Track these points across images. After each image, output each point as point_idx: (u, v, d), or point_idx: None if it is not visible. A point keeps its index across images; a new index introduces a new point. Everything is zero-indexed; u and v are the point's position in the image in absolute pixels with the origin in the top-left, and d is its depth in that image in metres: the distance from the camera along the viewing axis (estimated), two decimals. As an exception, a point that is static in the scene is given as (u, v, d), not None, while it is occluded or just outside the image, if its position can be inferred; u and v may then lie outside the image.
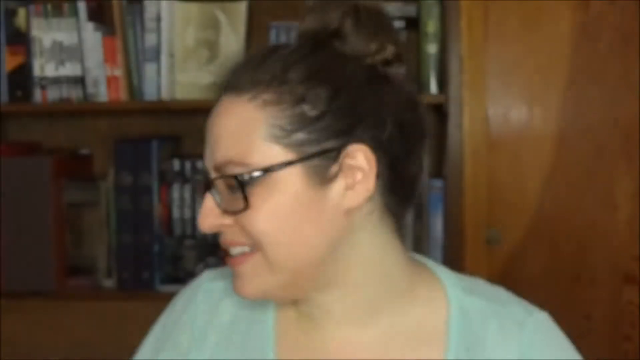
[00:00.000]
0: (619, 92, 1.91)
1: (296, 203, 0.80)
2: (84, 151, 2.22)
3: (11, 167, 1.97)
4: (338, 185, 0.80)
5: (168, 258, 1.99)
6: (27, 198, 1.96)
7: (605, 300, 1.93)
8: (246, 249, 0.81)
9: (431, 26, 1.94)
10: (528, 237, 1.94)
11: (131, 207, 1.98)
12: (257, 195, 0.79)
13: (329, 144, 0.80)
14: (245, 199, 0.78)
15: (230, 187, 0.80)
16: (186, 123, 2.21)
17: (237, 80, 0.82)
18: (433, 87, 1.94)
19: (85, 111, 2.18)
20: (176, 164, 1.98)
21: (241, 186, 0.79)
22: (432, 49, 1.94)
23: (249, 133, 0.80)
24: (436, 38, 1.95)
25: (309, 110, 0.79)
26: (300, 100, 0.79)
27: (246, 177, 0.79)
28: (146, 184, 1.98)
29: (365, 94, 0.81)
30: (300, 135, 0.79)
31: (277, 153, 0.79)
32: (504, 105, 1.94)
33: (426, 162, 0.88)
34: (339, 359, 0.85)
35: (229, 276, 0.88)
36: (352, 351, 0.85)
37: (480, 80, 1.92)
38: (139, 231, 1.98)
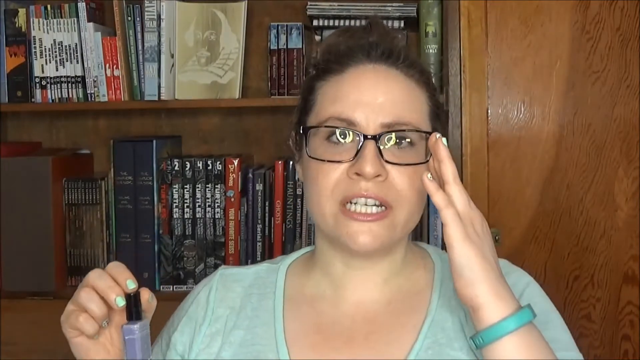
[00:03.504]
0: (618, 92, 1.91)
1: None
2: (84, 151, 2.22)
3: (11, 167, 1.97)
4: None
5: (168, 258, 1.99)
6: (27, 198, 1.96)
7: (605, 300, 1.93)
8: (380, 208, 0.94)
9: (431, 26, 1.94)
10: (528, 237, 1.94)
11: (131, 207, 1.98)
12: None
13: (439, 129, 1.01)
14: (428, 152, 0.93)
15: (400, 143, 0.94)
16: (186, 123, 2.21)
17: (405, 61, 0.99)
18: (433, 87, 1.94)
19: (85, 111, 2.18)
20: (176, 164, 1.98)
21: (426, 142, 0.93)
22: (432, 49, 1.95)
23: (419, 106, 0.98)
24: (436, 38, 1.95)
25: (439, 100, 1.03)
26: (437, 92, 1.03)
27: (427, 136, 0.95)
28: (146, 184, 1.98)
29: None
30: (436, 119, 1.00)
31: (431, 127, 0.99)
32: (504, 105, 1.93)
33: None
34: (352, 315, 0.99)
35: (241, 268, 1.08)
36: (363, 307, 1.00)
37: (480, 80, 1.92)
38: (139, 231, 1.98)
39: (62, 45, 2.01)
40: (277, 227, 1.98)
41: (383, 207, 0.94)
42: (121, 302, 0.87)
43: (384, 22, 1.07)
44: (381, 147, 0.93)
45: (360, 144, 0.93)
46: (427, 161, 0.93)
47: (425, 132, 0.96)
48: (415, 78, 0.99)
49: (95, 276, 0.90)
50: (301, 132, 1.00)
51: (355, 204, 0.93)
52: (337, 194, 0.94)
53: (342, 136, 0.95)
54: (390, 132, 0.94)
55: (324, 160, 0.95)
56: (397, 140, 0.94)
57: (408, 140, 0.95)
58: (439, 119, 1.02)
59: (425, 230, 1.94)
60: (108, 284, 0.88)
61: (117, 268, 0.90)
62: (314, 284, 1.03)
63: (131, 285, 0.88)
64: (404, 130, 0.94)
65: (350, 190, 0.93)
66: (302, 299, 1.02)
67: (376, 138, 0.93)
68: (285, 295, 1.03)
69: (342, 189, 0.94)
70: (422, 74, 1.00)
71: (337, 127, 0.94)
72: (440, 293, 1.00)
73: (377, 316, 0.99)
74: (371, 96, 0.95)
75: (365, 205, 0.93)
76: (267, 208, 1.98)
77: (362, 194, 0.92)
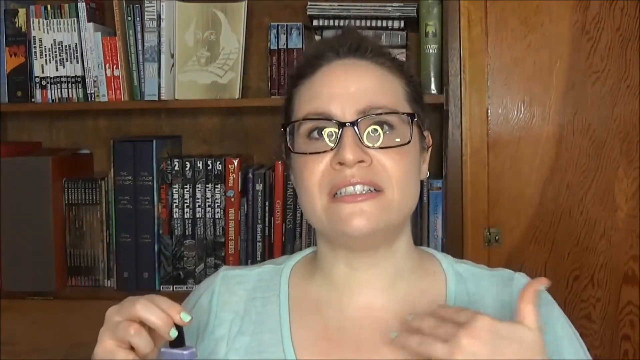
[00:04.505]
0: (618, 92, 1.91)
1: (416, 158, 0.99)
2: (84, 151, 2.22)
3: (11, 167, 1.97)
4: (423, 157, 1.02)
5: (168, 258, 1.99)
6: (27, 198, 1.96)
7: (605, 300, 1.93)
8: (370, 190, 0.93)
9: (431, 26, 1.94)
10: (528, 237, 1.94)
11: (131, 207, 1.98)
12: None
13: (420, 112, 1.01)
14: (411, 133, 0.95)
15: (378, 129, 0.94)
16: (186, 123, 2.21)
17: (375, 52, 1.00)
18: (433, 87, 1.94)
19: (85, 111, 2.18)
20: (176, 164, 1.98)
21: (410, 123, 0.96)
22: (432, 49, 1.95)
23: (394, 90, 0.99)
24: (436, 38, 1.95)
25: (417, 86, 1.03)
26: (414, 79, 1.03)
27: (414, 117, 0.97)
28: (146, 184, 1.98)
29: None
30: (416, 104, 1.01)
31: (411, 111, 0.99)
32: (504, 105, 1.93)
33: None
34: (359, 320, 0.98)
35: (244, 269, 1.06)
36: (371, 313, 0.98)
37: (480, 80, 1.92)
38: (139, 231, 1.98)
39: (62, 45, 2.01)
40: (277, 227, 1.98)
41: (375, 190, 0.94)
42: (175, 333, 0.85)
43: (359, 28, 1.09)
44: (361, 134, 0.93)
45: (340, 133, 0.93)
46: (409, 142, 0.95)
47: (403, 113, 0.96)
48: (387, 65, 1.00)
49: (143, 308, 0.84)
50: (282, 130, 1.00)
51: (343, 194, 0.93)
52: (325, 186, 0.94)
53: (320, 131, 0.95)
54: (367, 116, 0.94)
55: (306, 153, 0.95)
56: (376, 126, 0.94)
57: (387, 123, 0.95)
58: (420, 103, 1.02)
59: (425, 230, 1.94)
60: (160, 316, 0.84)
61: (167, 301, 0.86)
62: (318, 288, 1.02)
63: (186, 318, 0.85)
64: (380, 114, 0.94)
65: (336, 180, 0.93)
66: (307, 304, 1.01)
67: (353, 124, 0.93)
68: (290, 300, 1.01)
69: (328, 181, 0.93)
70: (393, 62, 1.02)
71: (313, 119, 0.95)
72: (457, 302, 0.99)
73: (387, 325, 0.97)
74: (343, 88, 0.96)
75: (354, 192, 0.93)
76: (267, 208, 1.98)
77: (348, 181, 0.92)
